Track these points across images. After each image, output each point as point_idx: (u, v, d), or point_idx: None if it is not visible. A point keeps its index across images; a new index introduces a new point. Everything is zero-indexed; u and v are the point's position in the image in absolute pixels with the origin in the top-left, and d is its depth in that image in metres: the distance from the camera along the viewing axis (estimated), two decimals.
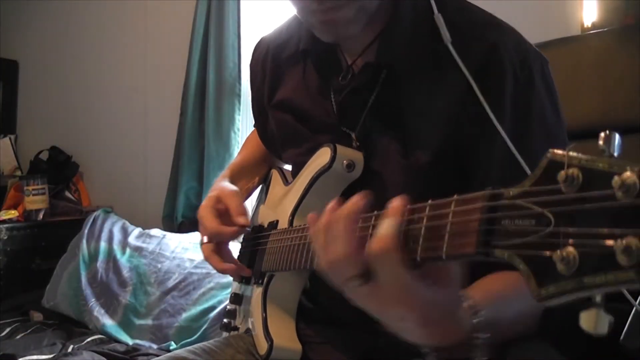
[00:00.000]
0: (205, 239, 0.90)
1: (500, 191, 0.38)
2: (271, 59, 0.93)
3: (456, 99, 0.71)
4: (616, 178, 0.29)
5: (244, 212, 0.88)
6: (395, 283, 0.46)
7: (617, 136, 0.32)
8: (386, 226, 0.45)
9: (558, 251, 0.32)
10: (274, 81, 0.92)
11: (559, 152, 0.34)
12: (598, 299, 0.32)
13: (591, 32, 1.53)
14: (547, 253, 0.33)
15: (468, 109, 0.70)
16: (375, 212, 0.50)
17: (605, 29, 1.47)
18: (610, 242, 0.29)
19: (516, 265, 0.35)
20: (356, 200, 0.51)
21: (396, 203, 0.47)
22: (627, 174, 0.29)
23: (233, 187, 0.92)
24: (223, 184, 0.94)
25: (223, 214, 0.88)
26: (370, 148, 0.78)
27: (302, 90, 0.86)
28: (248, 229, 0.90)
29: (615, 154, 0.32)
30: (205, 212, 0.89)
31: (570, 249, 0.31)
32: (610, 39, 1.24)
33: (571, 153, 0.33)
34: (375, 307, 0.50)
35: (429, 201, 0.45)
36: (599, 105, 1.12)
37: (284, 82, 0.90)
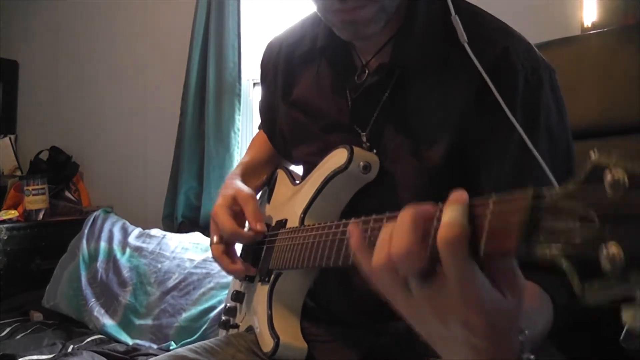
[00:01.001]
0: (216, 239, 0.90)
1: (543, 192, 0.38)
2: (284, 57, 0.94)
3: (468, 100, 0.72)
4: None
5: (261, 218, 0.87)
6: (464, 278, 0.41)
7: None
8: (454, 212, 0.42)
9: (604, 249, 0.32)
10: (287, 79, 0.93)
11: (604, 155, 0.34)
12: (639, 294, 0.33)
13: (591, 32, 1.53)
14: (592, 252, 0.33)
15: (480, 109, 0.71)
16: (440, 206, 0.45)
17: (605, 29, 1.46)
18: None
19: (558, 263, 0.35)
20: (425, 205, 0.46)
21: (459, 192, 0.43)
22: None
23: (248, 190, 0.92)
24: (238, 185, 0.93)
25: (238, 215, 0.88)
26: (381, 148, 0.79)
27: (315, 89, 0.87)
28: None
29: None
30: (221, 211, 0.88)
31: (615, 248, 0.32)
32: (610, 39, 1.24)
33: (617, 157, 0.33)
34: (433, 314, 0.45)
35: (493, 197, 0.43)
36: (599, 105, 1.12)
37: (298, 81, 0.91)
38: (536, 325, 0.56)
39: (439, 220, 0.43)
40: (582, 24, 1.57)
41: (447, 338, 0.45)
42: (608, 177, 0.33)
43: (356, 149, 0.77)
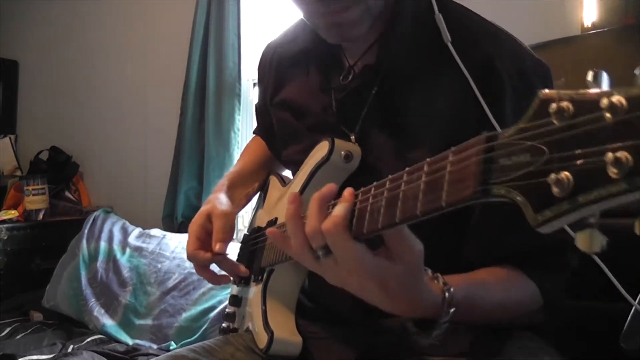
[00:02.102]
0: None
1: (495, 133, 0.39)
2: (277, 60, 0.95)
3: (455, 100, 0.72)
4: (604, 100, 0.31)
5: (224, 237, 0.87)
6: (345, 255, 0.54)
7: (604, 74, 0.33)
8: (340, 208, 0.54)
9: (552, 174, 0.33)
10: (278, 81, 0.93)
11: (550, 90, 0.35)
12: (592, 220, 0.33)
13: (591, 32, 1.53)
14: (542, 180, 0.34)
15: (468, 110, 0.70)
16: (332, 202, 0.57)
17: (605, 29, 1.46)
18: (601, 158, 0.30)
19: (513, 199, 0.36)
20: (329, 186, 0.58)
21: (348, 190, 0.55)
22: (614, 95, 0.30)
23: (224, 206, 0.92)
24: (217, 200, 0.93)
25: (210, 233, 0.89)
26: (368, 148, 0.79)
27: (304, 89, 0.88)
28: (226, 254, 0.89)
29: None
30: (191, 229, 0.90)
31: (564, 172, 0.32)
32: (610, 39, 1.24)
33: (561, 89, 0.34)
34: (337, 279, 0.58)
35: (427, 159, 0.46)
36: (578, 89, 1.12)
37: (288, 82, 0.92)
38: (481, 292, 0.66)
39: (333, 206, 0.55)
40: (582, 24, 1.56)
41: (359, 293, 0.58)
42: (553, 107, 0.33)
43: (337, 140, 0.78)
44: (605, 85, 0.33)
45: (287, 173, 1.04)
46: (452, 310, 0.58)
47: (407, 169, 0.49)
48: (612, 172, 0.30)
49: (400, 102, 0.76)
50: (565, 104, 0.33)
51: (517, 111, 0.69)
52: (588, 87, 0.33)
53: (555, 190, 0.32)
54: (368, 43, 0.79)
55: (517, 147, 0.36)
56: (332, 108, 0.82)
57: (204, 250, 0.88)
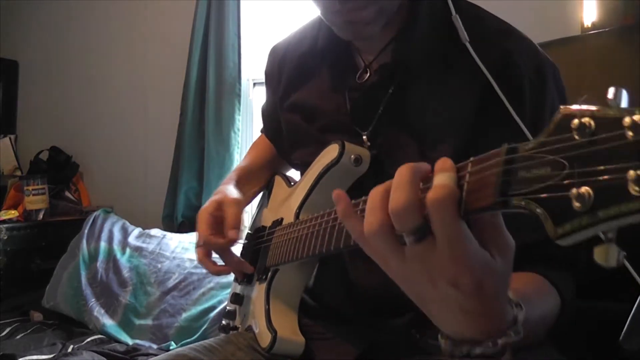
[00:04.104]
0: (199, 243, 0.91)
1: (516, 145, 0.39)
2: (287, 63, 0.94)
3: (473, 100, 0.72)
4: (627, 118, 0.31)
5: (237, 224, 0.88)
6: (453, 237, 0.42)
7: (624, 92, 0.34)
8: (444, 177, 0.43)
9: (573, 189, 0.33)
10: (289, 84, 0.93)
11: (571, 106, 0.35)
12: (610, 235, 0.33)
13: (591, 32, 1.53)
14: (563, 193, 0.34)
15: (486, 108, 0.71)
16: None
17: (605, 29, 1.46)
18: (622, 175, 0.31)
19: (533, 211, 0.36)
20: (422, 164, 0.48)
21: (447, 160, 0.45)
22: (636, 114, 0.31)
23: (235, 195, 0.93)
24: (227, 190, 0.94)
25: (220, 221, 0.89)
26: (383, 148, 0.79)
27: (316, 91, 0.87)
28: (240, 241, 0.90)
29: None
30: (202, 216, 0.90)
31: (585, 187, 0.33)
32: (610, 39, 1.24)
33: (583, 105, 0.34)
34: (423, 275, 0.45)
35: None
36: (599, 105, 1.12)
37: (299, 85, 0.91)
38: (533, 307, 0.54)
39: (428, 184, 0.45)
40: (582, 24, 1.57)
41: (437, 300, 0.46)
42: (574, 122, 0.34)
43: (347, 144, 0.78)
44: (625, 102, 0.33)
45: (291, 173, 1.04)
46: (519, 333, 0.47)
47: (430, 173, 0.45)
48: (634, 189, 0.30)
49: (418, 101, 0.76)
50: (586, 120, 0.33)
51: (533, 106, 0.70)
52: (609, 103, 0.33)
53: (576, 204, 0.33)
54: (384, 42, 0.79)
55: (538, 161, 0.36)
56: (347, 108, 0.82)
57: (217, 236, 0.88)
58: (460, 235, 0.42)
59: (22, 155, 2.87)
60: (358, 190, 0.77)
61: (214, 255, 0.93)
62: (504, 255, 0.45)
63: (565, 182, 0.34)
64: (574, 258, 0.71)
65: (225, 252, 0.91)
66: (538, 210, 0.36)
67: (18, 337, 1.88)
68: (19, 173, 2.78)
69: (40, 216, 2.45)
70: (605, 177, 0.32)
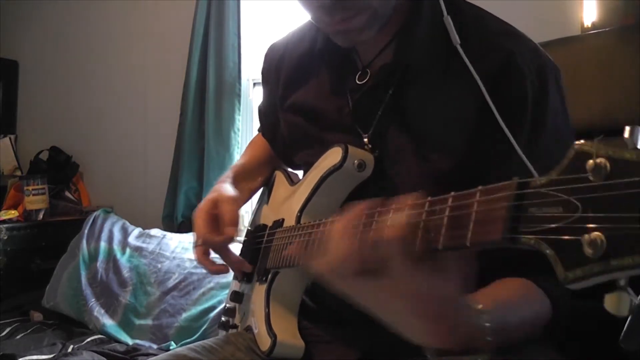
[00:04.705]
0: (197, 242, 0.91)
1: (528, 180, 0.38)
2: (285, 62, 0.94)
3: (476, 104, 0.71)
4: None
5: (234, 222, 0.88)
6: (402, 273, 0.45)
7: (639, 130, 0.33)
8: (400, 216, 0.45)
9: (586, 235, 0.32)
10: (287, 85, 0.92)
11: (587, 143, 0.34)
12: (622, 282, 0.33)
13: (591, 32, 1.53)
14: (574, 237, 0.33)
15: (487, 111, 0.70)
16: (378, 209, 0.50)
17: (605, 29, 1.46)
18: (637, 226, 0.30)
19: (543, 251, 0.35)
20: (358, 206, 0.51)
21: (411, 197, 0.47)
22: None
23: (231, 193, 0.93)
24: (223, 187, 0.94)
25: (217, 219, 0.89)
26: (384, 149, 0.78)
27: (315, 91, 0.87)
28: (238, 239, 0.90)
29: None
30: (199, 215, 0.90)
31: (598, 233, 0.32)
32: (610, 39, 1.24)
33: (598, 144, 0.34)
34: (377, 306, 0.50)
35: (452, 193, 0.45)
36: (599, 105, 1.12)
37: (298, 85, 0.90)
38: (509, 312, 0.58)
39: (377, 222, 0.48)
40: (582, 24, 1.57)
41: (396, 321, 0.51)
42: (590, 163, 0.33)
43: (351, 148, 0.77)
44: None
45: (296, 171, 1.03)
46: (488, 339, 0.51)
47: (429, 198, 0.47)
48: None
49: (418, 102, 0.76)
50: (602, 160, 0.33)
51: (535, 108, 0.69)
52: (625, 143, 0.32)
53: (587, 250, 0.32)
54: (383, 42, 0.78)
55: (550, 200, 0.35)
56: (349, 108, 0.81)
57: (215, 234, 0.88)
58: (412, 272, 0.45)
59: (22, 155, 2.87)
60: (359, 192, 0.78)
61: (213, 255, 0.92)
62: (446, 278, 0.47)
63: (577, 226, 0.33)
64: None
65: (223, 251, 0.91)
66: (548, 251, 0.35)
67: (18, 337, 1.88)
68: (19, 173, 2.78)
69: (40, 216, 2.45)
70: (620, 225, 0.31)
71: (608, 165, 0.32)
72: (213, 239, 0.88)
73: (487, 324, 0.51)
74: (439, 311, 0.48)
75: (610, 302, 0.33)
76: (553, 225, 0.35)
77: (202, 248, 0.91)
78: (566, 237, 0.34)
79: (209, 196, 0.92)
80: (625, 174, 0.31)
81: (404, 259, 0.44)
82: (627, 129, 0.33)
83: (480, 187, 0.42)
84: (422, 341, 0.51)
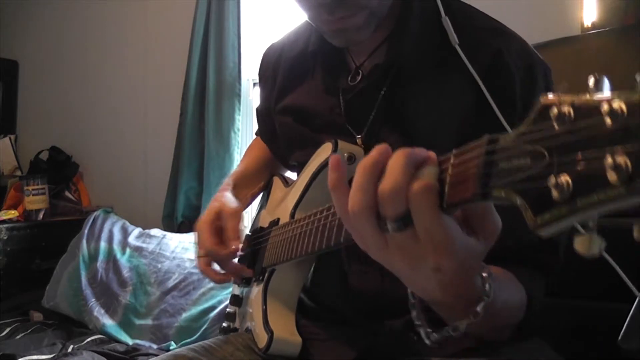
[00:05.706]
0: (201, 252, 0.92)
1: (497, 136, 0.39)
2: (281, 64, 0.94)
3: (467, 101, 0.72)
4: (604, 105, 0.31)
5: (238, 236, 0.89)
6: (433, 229, 0.43)
7: (605, 79, 0.33)
8: (426, 171, 0.44)
9: (552, 178, 0.33)
10: (283, 86, 0.92)
11: (551, 95, 0.35)
12: (591, 224, 0.33)
13: (591, 32, 1.53)
14: (542, 184, 0.34)
15: (479, 110, 0.70)
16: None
17: (605, 29, 1.46)
18: (600, 163, 0.30)
19: (513, 201, 0.36)
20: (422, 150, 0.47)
21: (431, 154, 0.45)
22: (615, 101, 0.31)
23: (233, 204, 0.93)
24: (225, 198, 0.95)
25: (220, 230, 0.90)
26: None
27: (310, 92, 0.87)
28: (240, 253, 0.91)
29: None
30: (203, 227, 0.91)
31: (564, 176, 0.33)
32: (610, 39, 1.24)
33: (562, 94, 0.34)
34: (403, 261, 0.47)
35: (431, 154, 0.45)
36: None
37: (293, 86, 0.91)
38: (500, 287, 0.55)
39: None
40: (582, 24, 1.56)
41: (415, 278, 0.49)
42: (554, 112, 0.34)
43: (340, 142, 0.77)
44: (606, 90, 0.33)
45: (289, 174, 1.04)
46: (489, 296, 0.51)
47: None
48: (611, 176, 0.30)
49: (410, 103, 0.76)
50: (566, 108, 0.33)
51: (525, 106, 0.69)
52: (589, 92, 0.33)
53: (554, 193, 0.33)
54: (376, 43, 0.79)
55: (518, 151, 0.36)
56: (340, 109, 0.82)
57: (221, 247, 0.89)
58: (441, 227, 0.43)
59: (22, 155, 2.87)
60: None
61: (215, 264, 0.94)
62: (489, 237, 0.47)
63: (545, 172, 0.34)
64: (548, 263, 0.71)
65: (224, 261, 0.92)
66: (518, 200, 0.35)
67: (18, 337, 1.88)
68: (19, 173, 2.78)
69: (40, 216, 2.45)
70: (584, 165, 0.31)
71: (572, 111, 0.33)
72: (219, 253, 0.89)
73: (487, 287, 0.51)
74: (464, 266, 0.46)
75: (580, 243, 0.33)
76: (522, 176, 0.35)
77: (206, 259, 0.92)
78: (534, 185, 0.34)
79: (211, 207, 0.93)
80: (588, 118, 0.32)
81: (431, 212, 0.43)
82: (591, 78, 0.33)
83: (454, 150, 0.43)
84: (426, 294, 0.50)
